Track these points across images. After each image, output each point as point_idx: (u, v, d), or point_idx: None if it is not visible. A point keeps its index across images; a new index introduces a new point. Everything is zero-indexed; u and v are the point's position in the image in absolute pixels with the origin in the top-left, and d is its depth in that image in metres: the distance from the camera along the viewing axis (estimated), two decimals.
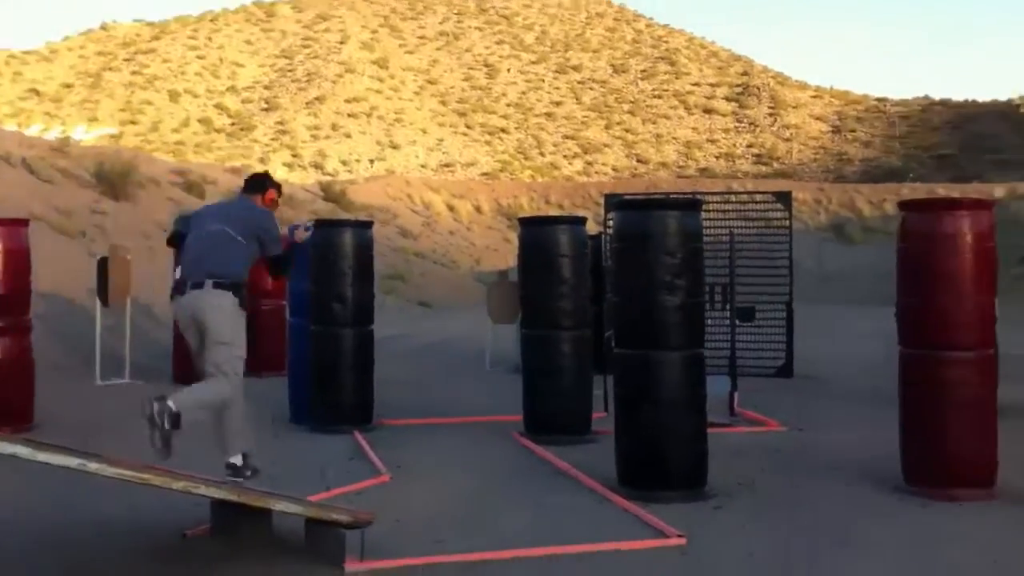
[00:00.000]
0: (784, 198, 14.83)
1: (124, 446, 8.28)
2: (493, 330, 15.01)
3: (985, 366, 6.95)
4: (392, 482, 7.50)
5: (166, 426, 5.85)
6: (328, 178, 50.65)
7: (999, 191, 38.29)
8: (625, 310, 7.24)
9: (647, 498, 6.78)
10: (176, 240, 6.81)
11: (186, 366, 12.76)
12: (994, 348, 7.06)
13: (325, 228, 9.79)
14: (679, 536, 5.95)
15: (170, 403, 5.85)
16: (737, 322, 11.34)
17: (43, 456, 4.58)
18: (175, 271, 6.31)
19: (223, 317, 5.94)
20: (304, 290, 9.88)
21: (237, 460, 6.21)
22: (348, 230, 9.87)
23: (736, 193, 16.92)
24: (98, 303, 12.95)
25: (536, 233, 9.75)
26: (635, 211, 7.46)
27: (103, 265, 12.83)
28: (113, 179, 23.61)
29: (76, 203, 21.08)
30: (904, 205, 7.40)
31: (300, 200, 32.50)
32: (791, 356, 13.91)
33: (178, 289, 6.04)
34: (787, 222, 14.58)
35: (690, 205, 7.40)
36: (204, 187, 28.19)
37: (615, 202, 7.87)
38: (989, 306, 6.97)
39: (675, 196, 14.34)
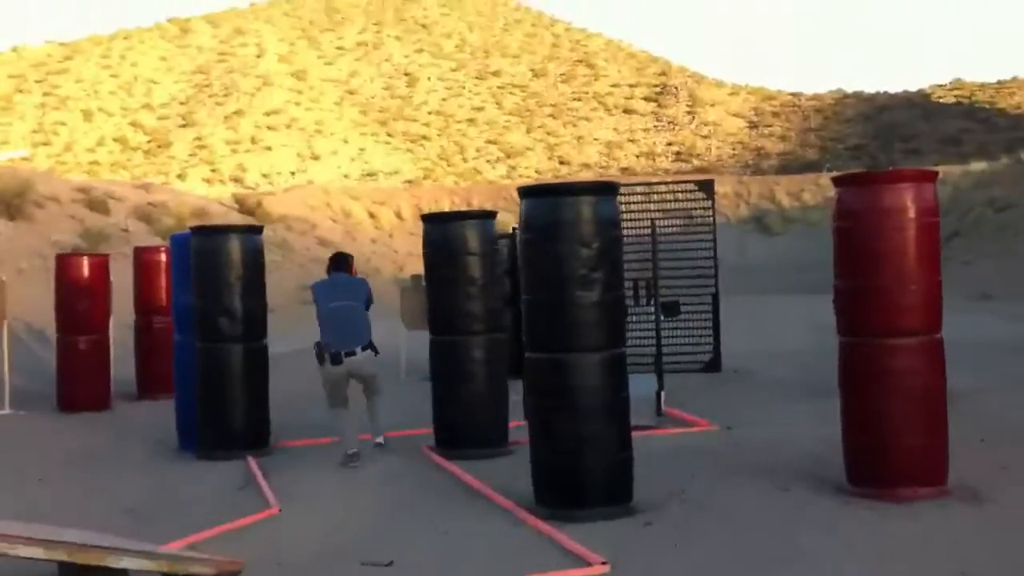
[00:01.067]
0: (707, 187, 14.21)
1: None
2: (408, 337, 14.14)
3: (933, 352, 6.28)
4: (284, 514, 6.68)
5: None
6: (247, 191, 49.10)
7: None
8: (536, 309, 6.46)
9: (567, 517, 6.05)
10: None
11: (72, 393, 11.86)
12: (941, 332, 6.42)
13: (207, 235, 8.87)
14: (603, 563, 5.21)
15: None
16: (662, 317, 10.65)
17: None
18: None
19: (373, 366, 8.43)
20: (188, 304, 8.96)
21: (381, 439, 8.59)
22: (233, 236, 8.95)
23: (657, 184, 16.25)
24: None
25: (441, 230, 8.83)
26: (544, 197, 6.67)
27: None
28: (8, 198, 22.33)
29: None
30: (840, 181, 6.68)
31: (214, 214, 31.23)
32: (719, 350, 13.27)
33: (334, 360, 8.10)
34: (709, 214, 13.96)
35: (605, 189, 6.60)
36: (109, 204, 26.87)
37: (523, 189, 7.04)
38: (935, 286, 6.31)
39: (588, 181, 13.56)
